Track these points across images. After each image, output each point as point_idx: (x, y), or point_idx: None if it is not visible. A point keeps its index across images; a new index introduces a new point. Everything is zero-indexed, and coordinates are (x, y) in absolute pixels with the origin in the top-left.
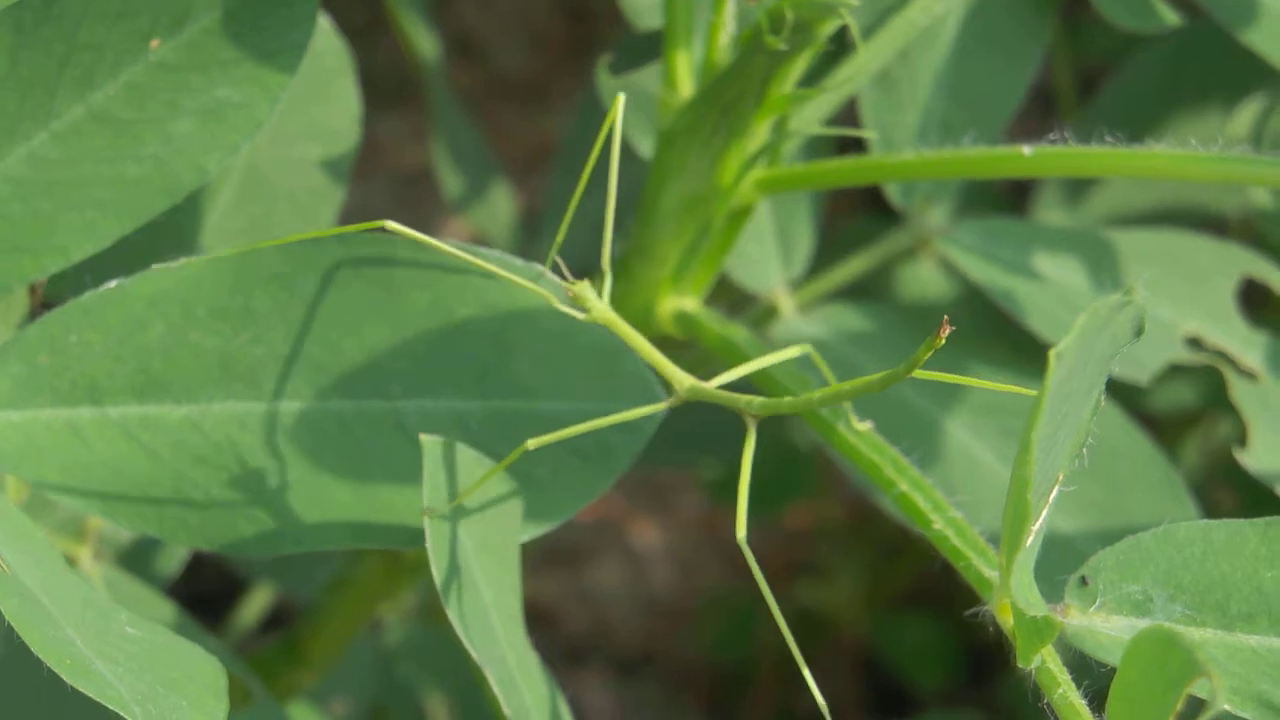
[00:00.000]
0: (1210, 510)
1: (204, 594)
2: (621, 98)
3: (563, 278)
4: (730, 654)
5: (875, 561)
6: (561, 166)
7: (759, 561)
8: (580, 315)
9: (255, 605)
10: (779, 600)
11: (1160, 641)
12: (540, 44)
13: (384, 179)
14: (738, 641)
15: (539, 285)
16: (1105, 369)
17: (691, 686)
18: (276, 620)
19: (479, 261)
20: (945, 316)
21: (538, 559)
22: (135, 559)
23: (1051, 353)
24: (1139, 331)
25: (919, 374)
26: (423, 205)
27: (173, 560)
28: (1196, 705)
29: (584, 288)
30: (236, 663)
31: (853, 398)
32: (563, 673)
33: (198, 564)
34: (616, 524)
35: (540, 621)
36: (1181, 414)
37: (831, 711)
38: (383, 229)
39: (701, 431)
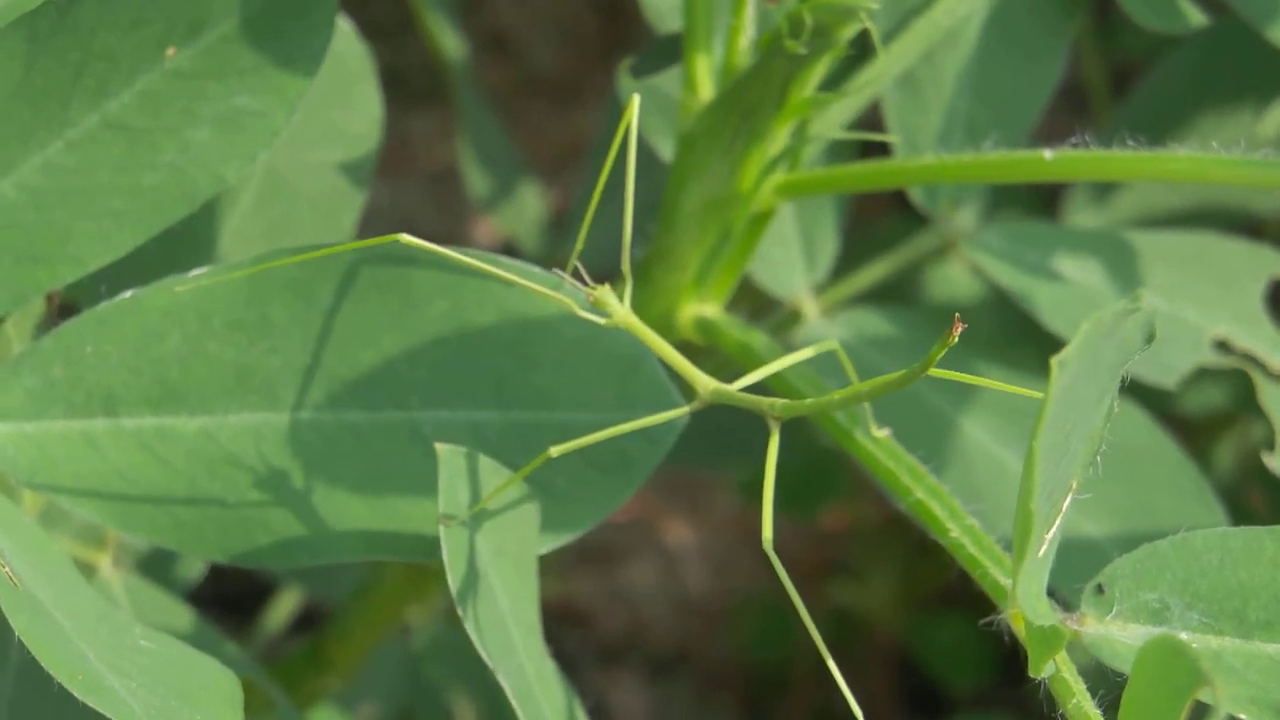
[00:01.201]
0: (1244, 512)
1: (234, 595)
2: (636, 99)
3: (583, 282)
4: (765, 654)
5: (909, 562)
6: (592, 166)
7: (793, 562)
8: (601, 320)
9: (284, 607)
10: (813, 600)
11: (1167, 650)
12: (574, 41)
13: (416, 178)
14: (773, 641)
15: (559, 292)
16: (1116, 376)
17: (726, 686)
18: (306, 621)
19: (498, 272)
20: (956, 315)
21: (572, 559)
22: (156, 565)
23: (1054, 360)
24: (1149, 338)
25: (935, 373)
26: (454, 204)
27: (193, 567)
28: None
29: (605, 292)
30: (259, 670)
31: (872, 398)
32: (597, 673)
33: (228, 566)
34: (650, 524)
35: (574, 621)
36: (1216, 416)
37: (865, 711)
38: (398, 242)
39: (734, 434)
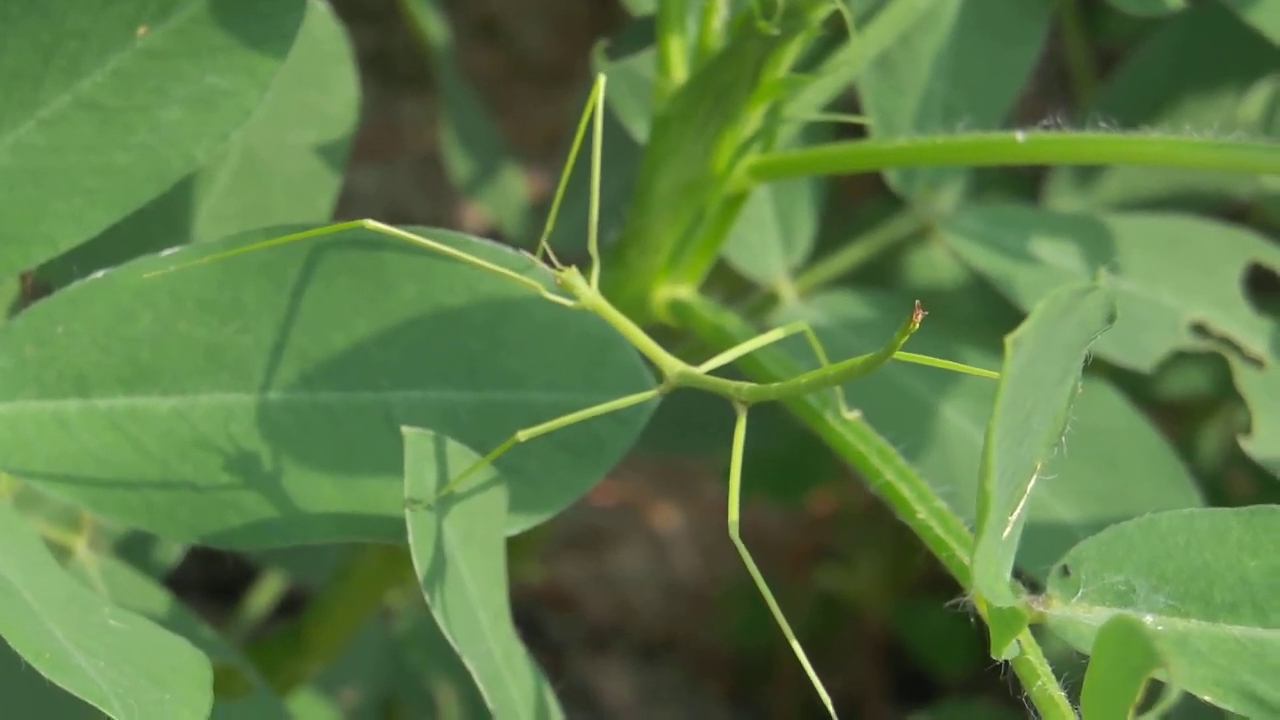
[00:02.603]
0: (1229, 497)
1: (222, 580)
2: (602, 79)
3: (552, 265)
4: (753, 640)
5: (897, 547)
6: (564, 149)
7: (782, 548)
8: (569, 303)
9: (267, 592)
10: (801, 586)
11: (1124, 631)
12: (563, 26)
13: (404, 162)
14: (761, 627)
15: (528, 275)
16: (1077, 355)
17: (714, 672)
18: (291, 606)
19: (466, 256)
20: (917, 302)
21: (560, 543)
22: (132, 548)
23: (1008, 339)
24: (1110, 316)
25: (903, 356)
26: (442, 188)
27: (171, 550)
28: (1188, 698)
29: (572, 274)
30: (236, 654)
31: (838, 383)
32: (584, 658)
33: (215, 550)
34: (639, 508)
35: (562, 606)
36: (1200, 401)
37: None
38: (363, 228)
39: (721, 419)
